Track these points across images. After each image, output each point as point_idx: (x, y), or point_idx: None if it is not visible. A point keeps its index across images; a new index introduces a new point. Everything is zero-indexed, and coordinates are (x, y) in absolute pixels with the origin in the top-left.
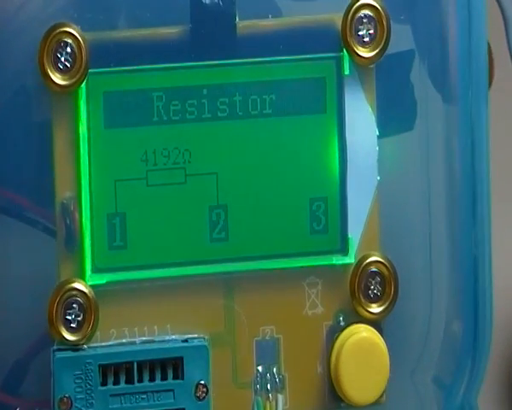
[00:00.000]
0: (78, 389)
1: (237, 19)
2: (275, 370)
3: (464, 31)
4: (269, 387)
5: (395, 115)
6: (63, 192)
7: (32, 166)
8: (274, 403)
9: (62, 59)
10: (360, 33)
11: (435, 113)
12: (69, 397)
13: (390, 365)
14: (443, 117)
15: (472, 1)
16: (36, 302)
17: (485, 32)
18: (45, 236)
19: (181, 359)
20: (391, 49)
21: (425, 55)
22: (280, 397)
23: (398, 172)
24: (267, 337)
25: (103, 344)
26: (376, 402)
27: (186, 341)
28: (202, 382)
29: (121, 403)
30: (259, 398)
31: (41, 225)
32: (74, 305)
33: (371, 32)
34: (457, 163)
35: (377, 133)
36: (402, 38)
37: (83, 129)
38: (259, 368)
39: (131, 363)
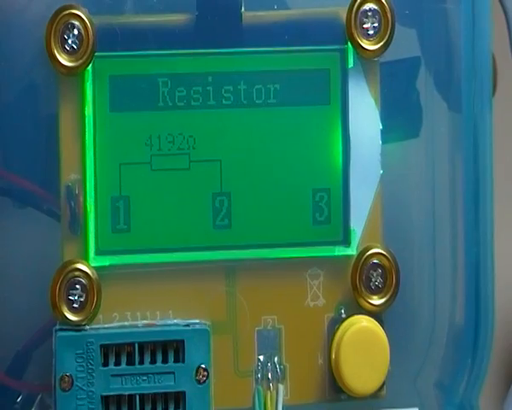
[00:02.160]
0: (80, 368)
1: (243, 8)
2: (276, 360)
3: (469, 40)
4: (270, 376)
5: (401, 121)
6: (68, 175)
7: (38, 150)
8: (274, 393)
9: (69, 41)
10: (365, 26)
11: (441, 120)
12: (70, 376)
13: (393, 369)
14: (448, 125)
15: (477, 11)
16: (41, 287)
17: (489, 41)
18: (50, 219)
19: (182, 342)
20: (397, 55)
21: (431, 63)
22: (281, 387)
23: (404, 174)
24: (269, 327)
25: (105, 326)
26: (376, 395)
27: (188, 325)
28: (203, 365)
29: (122, 384)
30: (260, 387)
31: (46, 208)
32: (77, 285)
33: (376, 25)
34: (462, 167)
35: (381, 127)
36: (408, 45)
37: (88, 111)
38: (261, 357)
39: (133, 344)
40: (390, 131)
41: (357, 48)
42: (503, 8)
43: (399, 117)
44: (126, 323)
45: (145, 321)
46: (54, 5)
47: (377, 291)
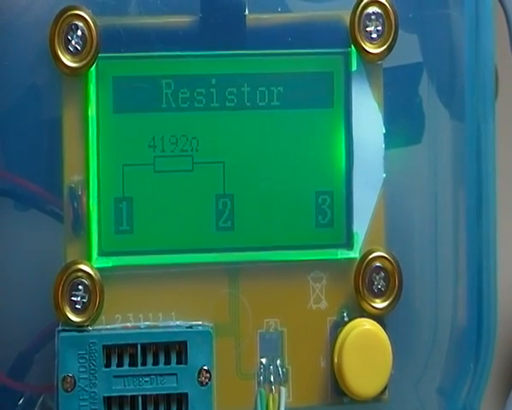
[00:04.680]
0: (82, 369)
1: (247, 11)
2: (278, 362)
3: (472, 47)
4: (272, 379)
5: (403, 127)
6: (71, 176)
7: (41, 151)
8: (277, 395)
9: (73, 42)
10: (368, 29)
11: (443, 127)
12: (72, 376)
13: (395, 374)
14: (451, 131)
15: (480, 18)
16: (44, 288)
17: (493, 49)
18: (53, 220)
19: (185, 343)
20: (400, 61)
21: (433, 70)
22: (283, 390)
23: (407, 178)
24: (271, 330)
25: (108, 327)
26: (379, 398)
27: (190, 327)
28: (205, 367)
29: (124, 385)
30: (262, 390)
31: (49, 209)
32: (80, 286)
33: (379, 28)
34: (464, 172)
35: (384, 130)
36: (411, 51)
37: (92, 112)
38: (263, 360)
39: (135, 345)
40: (393, 137)
41: (361, 51)
42: (504, 8)
43: (402, 123)
44: (129, 324)
45: (148, 322)
46: (57, 5)
47: (380, 294)
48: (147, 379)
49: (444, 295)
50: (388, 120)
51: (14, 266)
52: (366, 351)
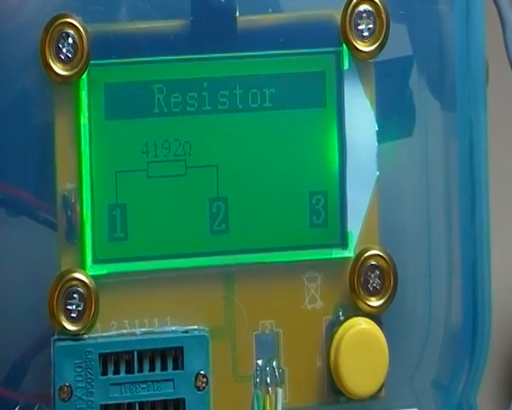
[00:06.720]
0: (79, 378)
1: (237, 13)
2: (274, 364)
3: (462, 40)
4: (268, 381)
5: (394, 120)
6: (64, 184)
7: (33, 159)
8: (273, 397)
9: (64, 50)
10: (359, 28)
11: (434, 120)
12: (69, 386)
13: (390, 370)
14: (442, 123)
15: (470, 10)
16: (38, 297)
17: (483, 40)
18: (46, 228)
19: (181, 349)
20: (390, 55)
21: (424, 63)
22: (279, 391)
23: (398, 173)
24: (267, 331)
25: (104, 335)
26: (375, 397)
27: (186, 332)
28: (202, 372)
29: (121, 392)
30: (259, 391)
31: (42, 217)
32: (75, 295)
33: (370, 26)
34: (457, 166)
35: (376, 128)
36: (401, 45)
37: (84, 120)
38: (259, 362)
39: (131, 353)
40: (384, 131)
41: (353, 50)
42: (496, 4)
43: (393, 116)
44: (124, 331)
45: (143, 329)
46: (46, 8)
47: (375, 293)
48: (144, 386)
49: (438, 291)
50: (379, 114)
51: (8, 274)
52: (362, 350)
